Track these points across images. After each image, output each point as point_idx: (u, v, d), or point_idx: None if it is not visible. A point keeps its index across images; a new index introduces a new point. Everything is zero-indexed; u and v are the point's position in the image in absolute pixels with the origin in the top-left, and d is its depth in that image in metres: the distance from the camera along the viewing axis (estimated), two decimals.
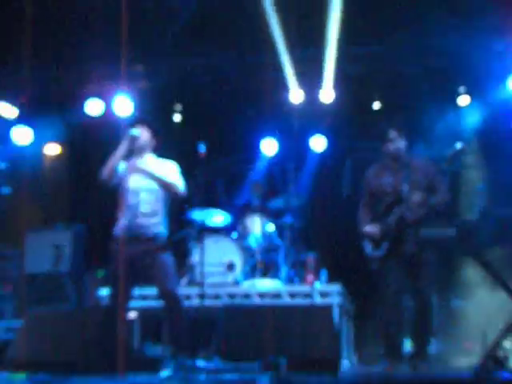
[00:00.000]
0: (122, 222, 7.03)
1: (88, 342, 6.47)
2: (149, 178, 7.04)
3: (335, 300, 9.22)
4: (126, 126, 7.19)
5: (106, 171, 7.01)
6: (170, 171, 7.15)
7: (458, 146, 7.09)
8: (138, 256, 6.89)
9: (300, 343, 6.30)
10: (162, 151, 7.35)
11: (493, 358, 5.84)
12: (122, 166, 7.08)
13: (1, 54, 10.65)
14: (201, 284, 8.21)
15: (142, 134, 7.13)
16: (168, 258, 7.05)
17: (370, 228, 7.37)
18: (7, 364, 6.67)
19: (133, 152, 7.09)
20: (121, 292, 6.78)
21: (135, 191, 7.07)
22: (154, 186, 7.07)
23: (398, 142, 7.40)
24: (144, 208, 7.04)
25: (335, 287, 9.39)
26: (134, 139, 7.04)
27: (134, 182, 7.07)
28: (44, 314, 7.33)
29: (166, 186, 7.05)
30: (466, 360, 9.64)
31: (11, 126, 11.93)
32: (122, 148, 7.02)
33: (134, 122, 7.23)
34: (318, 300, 9.17)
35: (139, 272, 6.93)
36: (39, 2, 9.98)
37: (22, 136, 11.98)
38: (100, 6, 10.27)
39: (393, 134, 7.41)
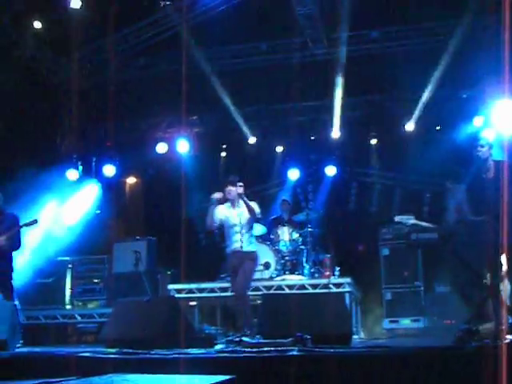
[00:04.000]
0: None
1: (160, 323, 6.48)
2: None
3: (346, 289, 9.23)
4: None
5: (208, 225, 7.57)
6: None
7: None
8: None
9: (321, 323, 6.26)
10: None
11: (467, 331, 5.77)
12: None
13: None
14: None
15: (231, 189, 7.48)
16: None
17: None
18: (102, 341, 6.73)
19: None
20: None
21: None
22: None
23: None
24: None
25: (346, 280, 9.37)
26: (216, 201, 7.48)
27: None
28: (128, 303, 7.36)
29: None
30: (447, 333, 9.53)
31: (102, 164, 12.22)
32: (213, 206, 7.47)
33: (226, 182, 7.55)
34: (334, 290, 9.16)
35: None
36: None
37: (108, 170, 12.18)
38: (168, 77, 10.59)
39: None
